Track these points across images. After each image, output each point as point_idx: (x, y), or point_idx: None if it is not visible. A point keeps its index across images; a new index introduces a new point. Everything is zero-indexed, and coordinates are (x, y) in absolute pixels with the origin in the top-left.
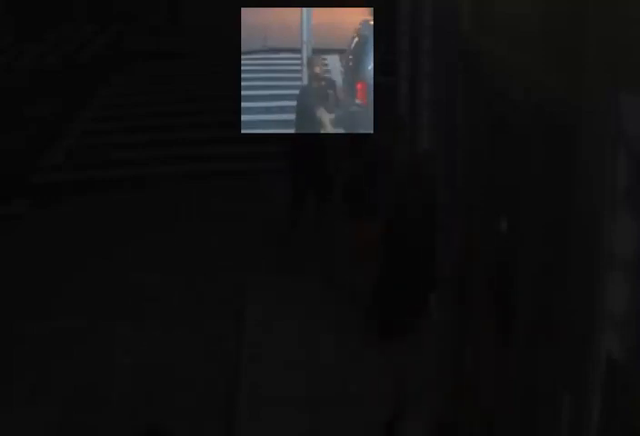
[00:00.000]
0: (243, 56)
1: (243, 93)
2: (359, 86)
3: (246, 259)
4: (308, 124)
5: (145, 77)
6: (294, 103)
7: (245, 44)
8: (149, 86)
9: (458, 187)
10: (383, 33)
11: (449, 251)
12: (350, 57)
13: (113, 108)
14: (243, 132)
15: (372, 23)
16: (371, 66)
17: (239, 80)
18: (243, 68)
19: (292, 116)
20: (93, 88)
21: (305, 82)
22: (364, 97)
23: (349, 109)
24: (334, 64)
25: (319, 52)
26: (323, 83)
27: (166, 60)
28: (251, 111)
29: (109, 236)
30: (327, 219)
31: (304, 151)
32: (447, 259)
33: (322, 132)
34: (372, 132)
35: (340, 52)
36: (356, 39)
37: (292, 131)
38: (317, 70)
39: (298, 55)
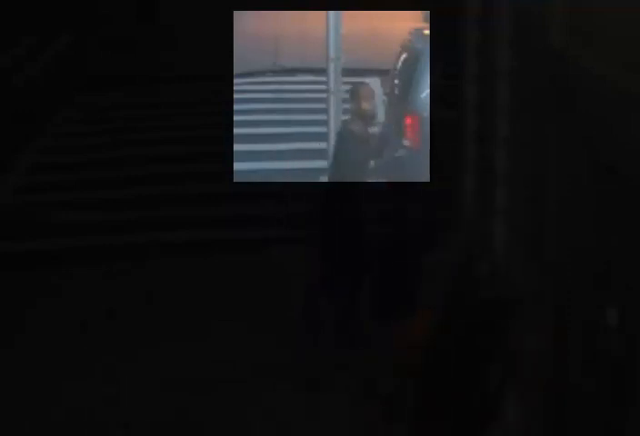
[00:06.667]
0: (238, 80)
1: (240, 131)
2: (408, 121)
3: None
4: (343, 174)
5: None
6: (313, 145)
7: (244, 62)
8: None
9: (545, 260)
10: (442, 46)
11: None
12: (396, 81)
13: (59, 155)
14: (235, 181)
15: (427, 32)
16: (426, 94)
17: (231, 115)
18: (238, 97)
19: (312, 164)
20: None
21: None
22: (415, 137)
23: (394, 154)
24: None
25: (350, 73)
26: (367, 120)
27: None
28: (252, 156)
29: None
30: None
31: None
32: None
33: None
34: (429, 181)
35: (381, 73)
36: (404, 55)
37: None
38: (365, 105)
39: (323, 78)
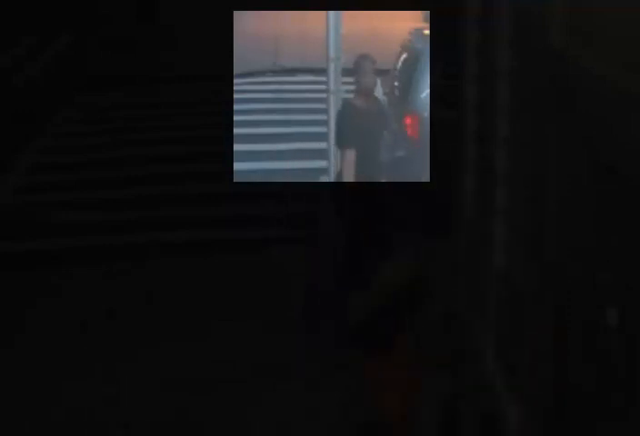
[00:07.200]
0: (238, 80)
1: (240, 131)
2: (408, 121)
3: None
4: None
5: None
6: (313, 145)
7: (244, 62)
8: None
9: (545, 260)
10: (442, 46)
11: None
12: (395, 83)
13: (60, 155)
14: (235, 181)
15: (427, 32)
16: (426, 94)
17: (231, 115)
18: (238, 97)
19: (312, 164)
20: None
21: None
22: (415, 135)
23: (394, 153)
24: None
25: (350, 73)
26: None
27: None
28: (252, 156)
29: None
30: None
31: None
32: None
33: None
34: (428, 181)
35: (381, 73)
36: (404, 55)
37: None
38: (366, 78)
39: (323, 78)
